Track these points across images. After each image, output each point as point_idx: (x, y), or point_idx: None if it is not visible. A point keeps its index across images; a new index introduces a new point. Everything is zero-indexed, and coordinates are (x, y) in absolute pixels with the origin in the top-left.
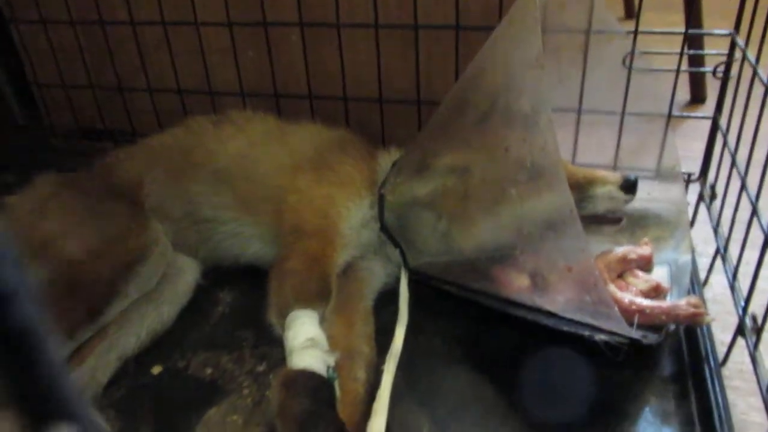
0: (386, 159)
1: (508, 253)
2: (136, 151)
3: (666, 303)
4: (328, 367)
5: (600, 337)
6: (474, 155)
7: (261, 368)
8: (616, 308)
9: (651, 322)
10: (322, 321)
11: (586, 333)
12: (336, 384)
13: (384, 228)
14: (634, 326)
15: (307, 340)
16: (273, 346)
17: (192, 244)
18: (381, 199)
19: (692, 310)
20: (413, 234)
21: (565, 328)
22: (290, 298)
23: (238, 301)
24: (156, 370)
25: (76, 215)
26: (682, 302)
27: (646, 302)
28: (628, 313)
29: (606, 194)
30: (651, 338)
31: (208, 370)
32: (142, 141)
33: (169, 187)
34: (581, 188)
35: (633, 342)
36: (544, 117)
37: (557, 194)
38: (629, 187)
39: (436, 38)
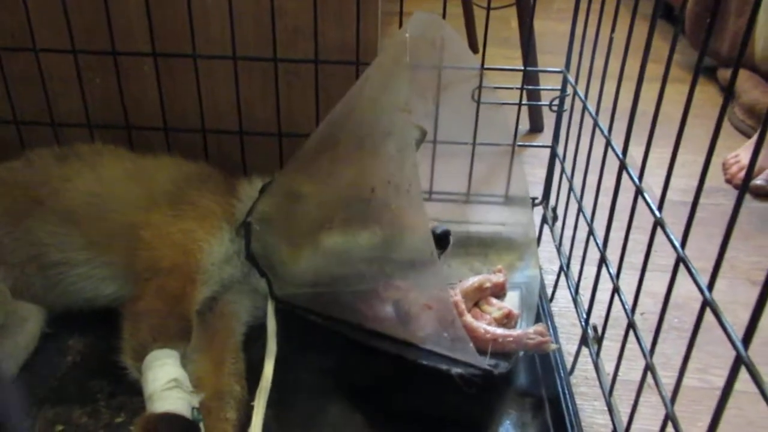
0: (247, 189)
1: (371, 288)
2: None
3: (516, 332)
4: (193, 409)
5: (456, 370)
6: (340, 192)
7: (119, 419)
8: (471, 344)
9: (503, 350)
10: (183, 360)
11: (444, 367)
12: (202, 425)
13: (250, 257)
14: (488, 354)
15: (168, 382)
16: (132, 395)
17: (37, 290)
18: (248, 227)
19: (539, 339)
20: (276, 263)
21: (425, 362)
22: (148, 339)
23: (90, 348)
24: None
25: None
26: (530, 330)
27: (499, 331)
28: (483, 342)
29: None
30: (502, 367)
31: (59, 428)
32: None
33: (8, 228)
34: None
35: (486, 373)
36: (410, 161)
37: (418, 236)
38: (437, 240)
39: (295, 71)
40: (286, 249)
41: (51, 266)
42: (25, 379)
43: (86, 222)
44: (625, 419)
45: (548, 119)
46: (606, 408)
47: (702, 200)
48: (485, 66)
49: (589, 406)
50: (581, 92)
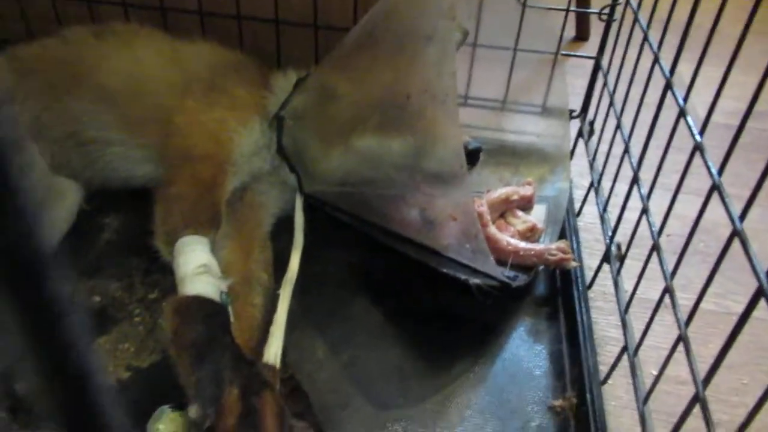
0: (281, 82)
1: (399, 193)
2: (5, 62)
3: (538, 246)
4: (222, 293)
5: (474, 281)
6: (375, 95)
7: (153, 296)
8: (492, 258)
9: (524, 263)
10: (213, 247)
11: (462, 277)
12: (230, 309)
13: (281, 151)
14: (508, 265)
15: (198, 267)
16: (164, 274)
17: (76, 167)
18: (281, 121)
19: (560, 255)
20: (306, 160)
21: (445, 270)
22: (179, 224)
23: (125, 227)
24: None
25: None
26: (553, 246)
27: (521, 244)
28: (504, 253)
29: None
30: (520, 280)
31: (96, 298)
32: (10, 51)
33: (45, 104)
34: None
35: (504, 285)
36: (449, 70)
37: (450, 149)
38: (468, 155)
39: None
40: (317, 146)
41: (87, 143)
42: (63, 252)
43: (121, 102)
44: (637, 336)
45: (596, 28)
46: (620, 323)
47: (747, 124)
48: None
49: (604, 320)
50: (634, 2)
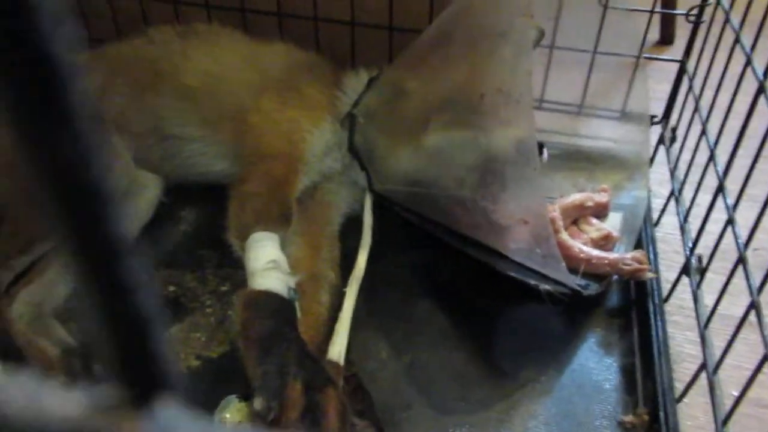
0: (353, 82)
1: (468, 194)
2: (95, 59)
3: (612, 255)
4: (290, 289)
5: (544, 287)
6: (447, 93)
7: (224, 288)
8: (563, 264)
9: (596, 271)
10: (283, 244)
11: (532, 282)
12: (297, 304)
13: (352, 149)
14: (579, 274)
15: (268, 262)
16: (236, 268)
17: (156, 161)
18: (353, 120)
19: (636, 265)
20: (377, 158)
21: (513, 274)
22: (251, 221)
23: (201, 220)
24: None
25: None
26: (628, 256)
27: (594, 252)
28: (576, 261)
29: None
30: (591, 289)
31: (171, 288)
32: (101, 49)
33: (133, 100)
34: None
35: (575, 293)
36: (524, 68)
37: (523, 149)
38: None
39: None
40: (387, 144)
41: (169, 138)
42: (142, 242)
43: (201, 100)
44: (717, 353)
45: (681, 30)
46: (698, 339)
47: None
48: None
49: (681, 335)
50: (726, 1)
